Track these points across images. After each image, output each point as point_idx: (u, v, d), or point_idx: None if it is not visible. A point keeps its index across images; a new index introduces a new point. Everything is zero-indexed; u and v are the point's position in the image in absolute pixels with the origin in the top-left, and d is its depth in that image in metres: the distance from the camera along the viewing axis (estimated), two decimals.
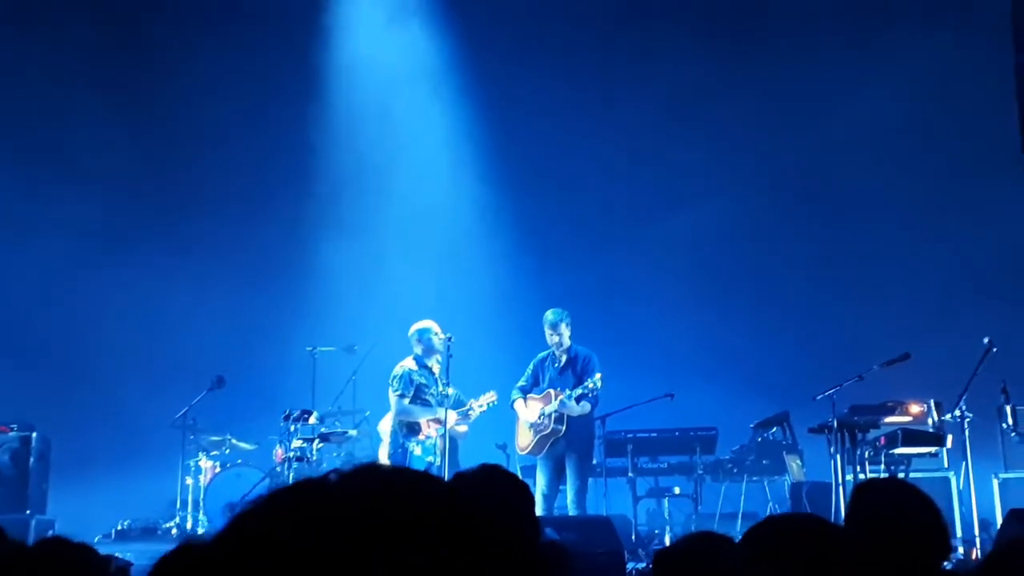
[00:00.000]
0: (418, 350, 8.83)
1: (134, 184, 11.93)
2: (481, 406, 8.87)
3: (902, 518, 2.90)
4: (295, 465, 8.92)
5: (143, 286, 11.63)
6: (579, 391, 8.65)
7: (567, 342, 9.02)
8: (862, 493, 3.13)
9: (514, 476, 2.82)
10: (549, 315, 9.02)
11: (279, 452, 9.24)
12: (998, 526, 6.58)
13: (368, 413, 10.33)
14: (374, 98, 12.28)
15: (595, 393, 8.70)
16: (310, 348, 10.41)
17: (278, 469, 9.30)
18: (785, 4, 11.75)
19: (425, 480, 1.09)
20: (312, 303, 11.80)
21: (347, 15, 12.29)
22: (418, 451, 8.54)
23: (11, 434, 9.80)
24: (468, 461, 9.69)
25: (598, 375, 8.64)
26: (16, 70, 11.58)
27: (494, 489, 2.70)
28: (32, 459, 9.67)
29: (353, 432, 9.81)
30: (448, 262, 11.96)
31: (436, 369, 8.80)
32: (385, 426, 9.17)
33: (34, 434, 9.80)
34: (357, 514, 0.95)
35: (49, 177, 11.44)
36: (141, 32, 11.98)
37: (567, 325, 8.97)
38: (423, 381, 8.74)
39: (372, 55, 12.30)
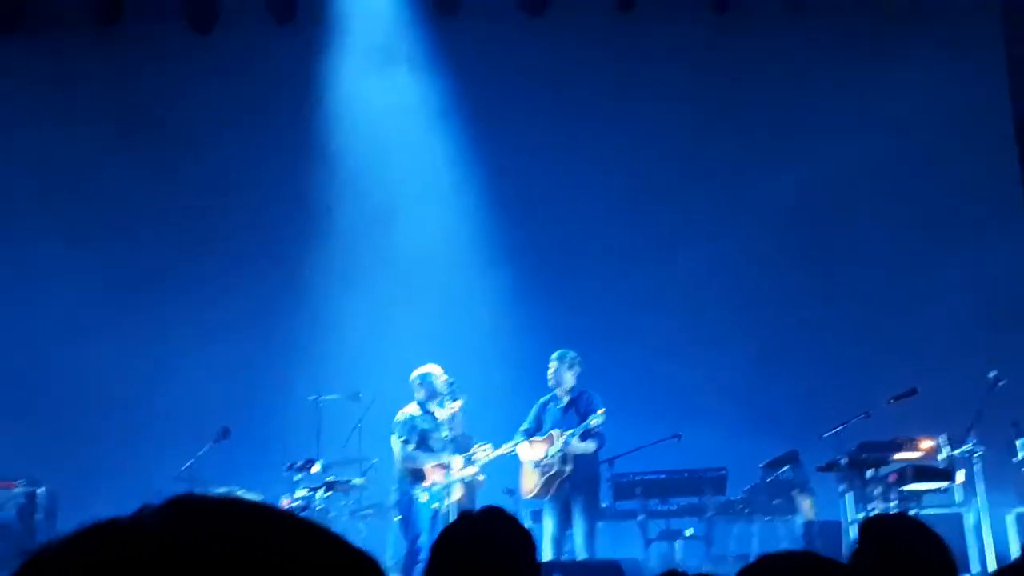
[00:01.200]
0: (420, 395, 8.80)
1: (135, 237, 11.96)
2: (487, 452, 8.84)
3: (909, 554, 2.86)
4: (301, 515, 8.84)
5: (146, 338, 11.62)
6: (582, 429, 8.63)
7: (570, 384, 9.00)
8: (868, 529, 3.09)
9: (515, 520, 2.79)
10: (557, 354, 9.04)
11: (285, 502, 9.16)
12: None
13: (375, 460, 10.25)
14: (373, 145, 12.33)
15: (600, 429, 8.67)
16: (314, 396, 10.36)
17: None
18: (785, 40, 11.81)
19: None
20: (315, 351, 11.76)
21: (339, 63, 12.40)
22: (424, 498, 8.47)
23: (17, 490, 9.76)
24: (475, 507, 9.64)
25: (601, 411, 8.63)
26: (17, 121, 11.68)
27: (495, 531, 2.67)
28: (39, 514, 9.62)
29: (359, 480, 9.73)
30: (451, 306, 11.94)
31: (439, 414, 8.75)
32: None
33: (40, 489, 9.76)
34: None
35: (48, 230, 11.49)
36: (141, 89, 12.08)
37: (571, 371, 8.97)
38: (427, 426, 8.69)
39: (367, 100, 12.36)
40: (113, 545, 0.73)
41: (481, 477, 8.85)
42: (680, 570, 3.38)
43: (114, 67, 12.11)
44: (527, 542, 2.70)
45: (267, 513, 0.77)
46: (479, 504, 8.71)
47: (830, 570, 2.16)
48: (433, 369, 8.83)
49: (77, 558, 0.72)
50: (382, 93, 12.37)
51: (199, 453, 9.70)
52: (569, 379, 9.01)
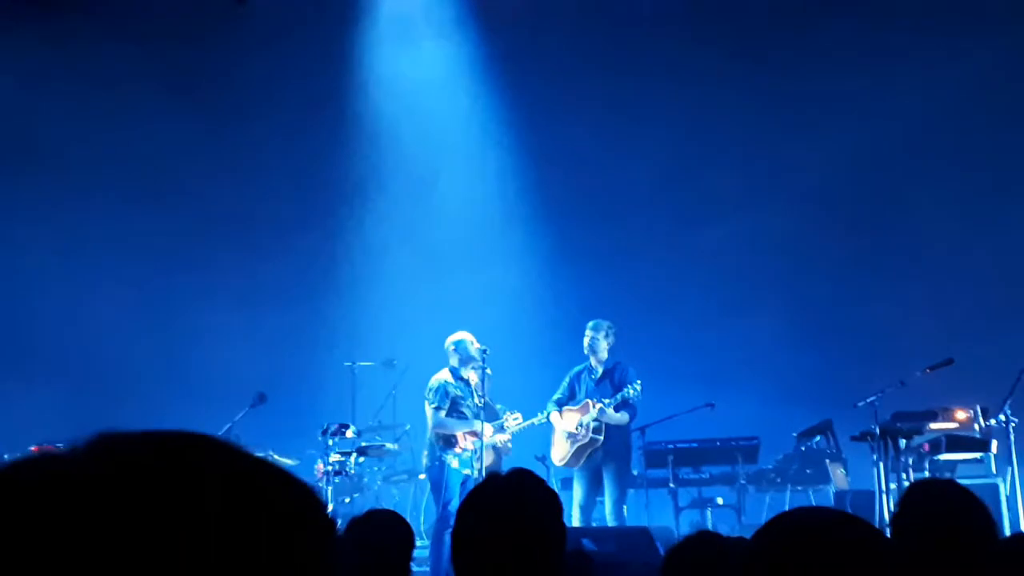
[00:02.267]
0: (454, 361, 8.83)
1: (175, 203, 12.06)
2: (516, 419, 8.89)
3: (952, 518, 2.83)
4: (335, 479, 8.96)
5: (184, 304, 11.76)
6: (618, 399, 8.65)
7: (605, 355, 9.02)
8: (913, 492, 3.06)
9: (543, 481, 2.82)
10: (594, 322, 9.05)
11: (320, 467, 9.27)
12: None
13: (408, 427, 10.36)
14: (410, 112, 12.37)
15: (635, 401, 8.69)
16: (349, 363, 10.45)
17: (319, 483, 9.32)
18: (818, 12, 11.66)
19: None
20: (351, 318, 11.86)
21: (376, 30, 12.41)
22: (455, 463, 8.52)
23: None
24: None
25: (638, 383, 8.65)
26: (56, 93, 11.76)
27: (524, 492, 2.70)
28: None
29: (393, 446, 9.82)
30: (486, 275, 11.97)
31: (473, 380, 8.79)
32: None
33: None
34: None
35: (88, 196, 11.61)
36: (180, 49, 12.11)
37: (606, 339, 8.98)
38: (459, 393, 8.73)
39: (404, 69, 12.39)
40: (30, 468, 0.76)
41: (510, 444, 8.90)
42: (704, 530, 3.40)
43: (158, 35, 12.12)
44: (554, 503, 2.72)
45: (194, 440, 0.79)
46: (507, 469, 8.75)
47: (860, 527, 2.15)
48: (467, 336, 8.87)
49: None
50: (418, 62, 12.41)
51: (236, 418, 9.80)
52: (604, 349, 9.02)
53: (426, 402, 8.76)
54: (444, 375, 8.80)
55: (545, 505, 2.68)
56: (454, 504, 8.29)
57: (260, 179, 12.09)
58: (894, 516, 3.02)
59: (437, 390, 8.69)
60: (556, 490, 8.56)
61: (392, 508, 4.79)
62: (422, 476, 9.20)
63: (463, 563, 2.59)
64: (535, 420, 9.05)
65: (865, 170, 11.53)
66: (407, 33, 12.50)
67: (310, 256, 12.08)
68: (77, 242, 11.73)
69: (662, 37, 11.89)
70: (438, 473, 8.48)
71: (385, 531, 3.60)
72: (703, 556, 2.92)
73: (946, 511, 2.86)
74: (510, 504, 2.62)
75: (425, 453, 8.77)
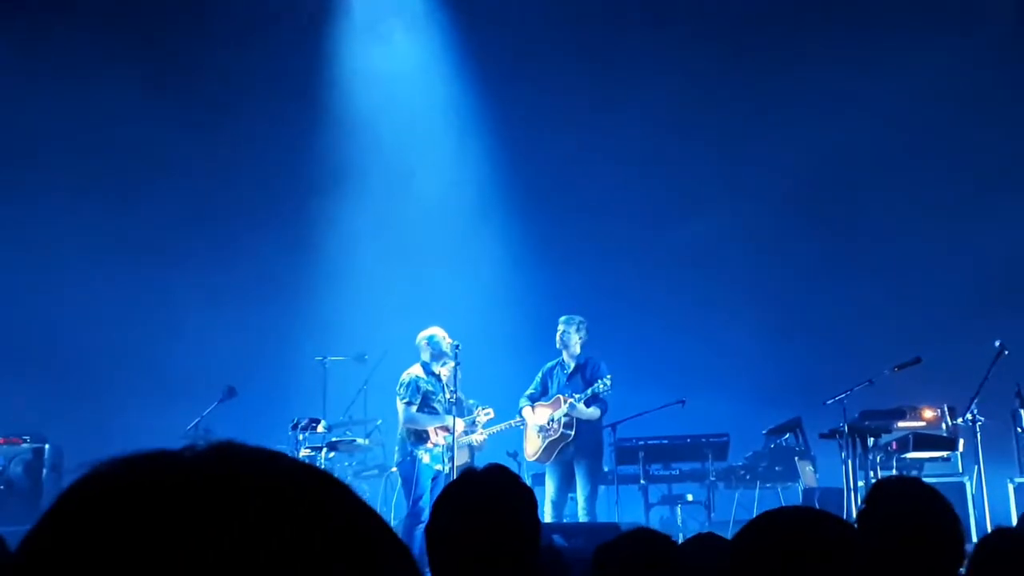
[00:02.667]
0: (425, 357, 8.82)
1: (143, 197, 11.96)
2: (488, 414, 8.88)
3: (917, 517, 2.85)
4: None
5: (154, 298, 11.68)
6: (588, 394, 8.67)
7: (578, 350, 9.03)
8: (878, 491, 3.08)
9: (517, 477, 2.82)
10: (566, 318, 9.06)
11: None
12: None
13: (380, 422, 10.33)
14: (384, 106, 12.33)
15: (605, 395, 8.72)
16: (320, 358, 10.41)
17: None
18: (792, 11, 11.73)
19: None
20: (322, 312, 11.82)
21: (353, 23, 12.36)
22: (426, 459, 8.51)
23: (24, 446, 9.85)
24: None
25: (608, 377, 8.67)
26: (23, 83, 11.63)
27: (500, 488, 2.70)
28: (45, 470, 9.71)
29: (363, 441, 9.79)
30: (459, 270, 11.97)
31: (444, 376, 8.78)
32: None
33: (47, 446, 9.84)
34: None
35: (59, 189, 11.49)
36: (153, 43, 12.01)
37: (578, 333, 8.99)
38: (430, 388, 8.72)
39: (380, 61, 12.36)
40: (150, 468, 0.74)
41: (480, 437, 8.89)
42: (709, 532, 3.38)
43: (131, 28, 12.00)
44: (530, 499, 2.72)
45: (302, 466, 0.77)
46: (479, 465, 8.75)
47: (832, 524, 2.17)
48: (439, 331, 8.85)
49: (117, 478, 0.74)
50: (392, 56, 12.40)
51: (205, 412, 9.75)
52: (576, 343, 9.03)
53: (397, 397, 8.74)
54: (416, 370, 8.78)
55: (520, 500, 2.68)
56: (425, 499, 8.29)
57: (232, 173, 12.02)
58: (859, 513, 3.04)
59: (408, 385, 8.67)
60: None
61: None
62: (394, 470, 9.18)
63: (438, 559, 2.58)
64: (511, 423, 9.06)
65: (837, 169, 11.62)
66: (381, 26, 12.45)
67: (282, 250, 12.02)
68: (46, 236, 11.60)
69: (639, 33, 11.93)
70: (409, 468, 8.47)
71: None
72: (637, 553, 2.90)
73: (910, 509, 2.88)
74: (486, 500, 2.62)
75: (396, 448, 8.75)
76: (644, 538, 2.95)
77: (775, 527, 2.07)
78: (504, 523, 2.59)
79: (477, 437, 8.83)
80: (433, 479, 8.43)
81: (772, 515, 2.13)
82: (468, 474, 2.77)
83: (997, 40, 11.20)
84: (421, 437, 8.57)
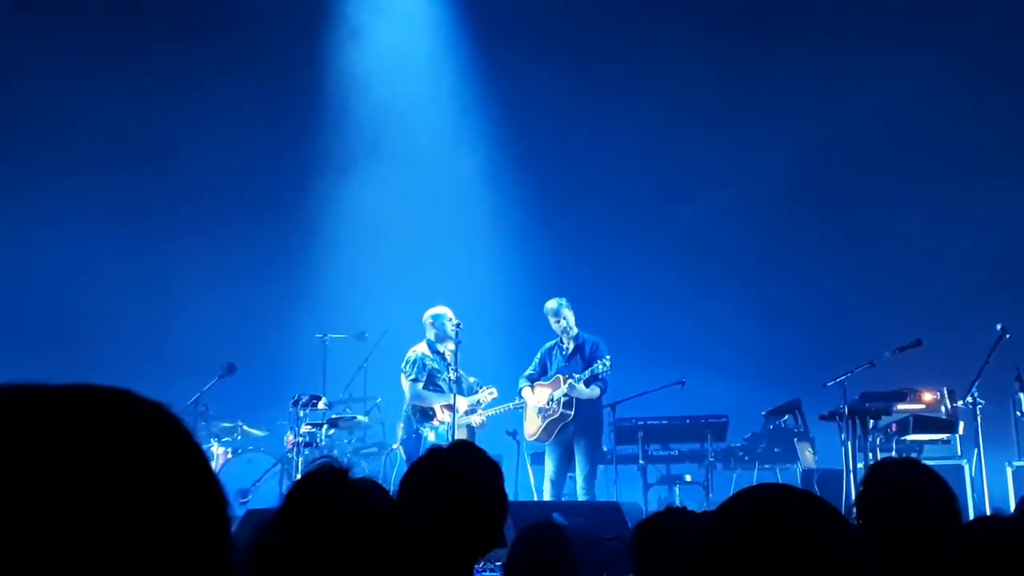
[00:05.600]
0: (431, 335, 8.81)
1: (141, 174, 11.94)
2: (492, 393, 8.88)
3: (915, 497, 2.86)
4: (305, 451, 8.94)
5: (153, 274, 11.68)
6: (587, 374, 8.67)
7: (574, 328, 9.02)
8: (876, 471, 3.08)
9: (483, 452, 2.83)
10: (551, 304, 9.04)
11: (290, 438, 9.25)
12: (1011, 514, 6.53)
13: (379, 400, 10.35)
14: (385, 89, 12.29)
15: (604, 376, 8.72)
16: (320, 335, 10.42)
17: (289, 455, 9.31)
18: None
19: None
20: (323, 290, 11.82)
21: (357, 6, 12.33)
22: (431, 436, 8.51)
23: None
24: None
25: (607, 358, 8.68)
26: (25, 67, 11.59)
27: (465, 464, 2.72)
28: None
29: (363, 418, 9.81)
30: (458, 252, 11.97)
31: (448, 355, 8.78)
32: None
33: None
34: None
35: (62, 170, 11.47)
36: (150, 26, 11.96)
37: (569, 309, 8.98)
38: (435, 366, 8.72)
39: (383, 44, 12.32)
40: None
41: (479, 419, 8.90)
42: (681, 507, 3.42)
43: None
44: (493, 474, 2.75)
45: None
46: (480, 444, 8.77)
47: (812, 503, 2.16)
48: (445, 310, 8.84)
49: None
50: (395, 39, 12.33)
51: (204, 388, 9.76)
52: (570, 322, 8.99)
53: (402, 375, 8.73)
54: (421, 348, 8.78)
55: (485, 475, 2.71)
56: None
57: (235, 153, 11.98)
58: (858, 494, 3.05)
59: (415, 363, 8.66)
60: (527, 464, 8.53)
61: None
62: (395, 446, 9.20)
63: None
64: (512, 404, 9.04)
65: (838, 152, 11.61)
66: (385, 8, 12.39)
67: (283, 229, 12.02)
68: (49, 214, 11.58)
69: (642, 17, 11.87)
70: (414, 445, 8.46)
71: None
72: (673, 529, 2.94)
73: (908, 489, 2.89)
74: (448, 475, 2.66)
75: (401, 425, 8.74)
76: (678, 515, 3.00)
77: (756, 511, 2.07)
78: (467, 498, 2.62)
79: (476, 419, 8.83)
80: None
81: (753, 500, 2.13)
82: (432, 451, 2.80)
83: (998, 25, 11.15)
84: (427, 415, 8.57)
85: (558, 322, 8.99)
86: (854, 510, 3.03)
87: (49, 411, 0.80)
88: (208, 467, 0.85)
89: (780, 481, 9.36)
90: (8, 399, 0.80)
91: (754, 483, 7.89)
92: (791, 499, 2.08)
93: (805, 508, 2.03)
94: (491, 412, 8.95)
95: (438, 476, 2.66)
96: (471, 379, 9.02)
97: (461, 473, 2.67)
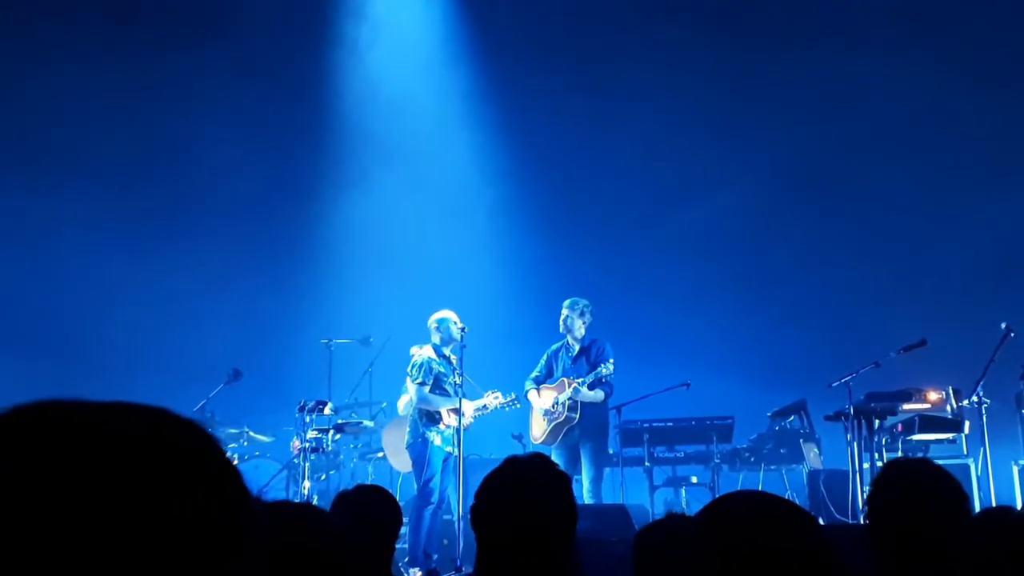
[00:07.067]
0: (436, 339, 8.80)
1: (146, 179, 11.97)
2: (497, 398, 8.86)
3: (927, 497, 2.87)
4: (311, 456, 8.94)
5: (159, 280, 11.69)
6: (592, 377, 8.69)
7: (582, 333, 9.05)
8: (889, 471, 3.09)
9: (555, 465, 2.93)
10: (578, 302, 9.06)
11: (296, 443, 9.26)
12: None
13: (384, 404, 10.37)
14: (388, 91, 12.30)
15: (609, 379, 8.73)
16: (326, 340, 10.43)
17: (295, 460, 9.33)
18: None
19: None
20: (328, 295, 11.83)
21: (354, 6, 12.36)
22: (438, 440, 8.49)
23: None
24: (485, 452, 9.74)
25: (611, 361, 8.70)
26: (26, 71, 11.61)
27: (540, 474, 2.84)
28: None
29: (369, 423, 9.83)
30: (462, 255, 11.97)
31: (453, 359, 8.79)
32: (407, 407, 9.21)
33: None
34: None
35: (62, 176, 11.49)
36: (152, 30, 11.98)
37: (589, 314, 9.02)
38: (442, 370, 8.71)
39: (382, 46, 12.35)
40: None
41: (468, 422, 8.85)
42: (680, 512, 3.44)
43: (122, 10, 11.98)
44: (565, 485, 2.88)
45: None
46: (482, 447, 8.82)
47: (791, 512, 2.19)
48: (450, 315, 8.85)
49: None
50: (394, 40, 12.35)
51: (211, 394, 9.77)
52: (580, 327, 9.05)
53: (408, 378, 8.73)
54: (428, 352, 8.77)
55: (557, 485, 2.83)
56: (435, 481, 8.29)
57: (237, 156, 11.99)
58: (870, 494, 3.06)
59: (421, 366, 8.66)
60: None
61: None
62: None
63: (484, 541, 2.75)
64: (501, 401, 8.96)
65: (841, 152, 11.60)
66: (384, 12, 12.41)
67: (287, 233, 12.03)
68: (53, 220, 11.61)
69: (641, 19, 11.89)
70: (421, 449, 8.44)
71: (374, 507, 3.61)
72: (674, 537, 2.96)
73: (921, 488, 2.90)
74: (525, 485, 2.77)
75: (407, 430, 8.74)
76: (678, 522, 3.06)
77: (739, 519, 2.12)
78: (541, 506, 2.73)
79: (465, 420, 8.83)
80: (444, 461, 8.43)
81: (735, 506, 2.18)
82: (509, 462, 2.90)
83: (1000, 21, 11.16)
84: (433, 419, 8.56)
85: (566, 320, 9.01)
86: (866, 509, 3.05)
87: (103, 430, 0.86)
88: (240, 482, 0.89)
89: (786, 482, 9.37)
90: (58, 416, 0.87)
91: (760, 484, 7.90)
92: (767, 507, 2.12)
93: (774, 514, 2.09)
94: (479, 413, 8.87)
95: (513, 485, 2.78)
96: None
97: (534, 482, 2.78)
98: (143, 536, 0.80)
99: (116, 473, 0.81)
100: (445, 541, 8.63)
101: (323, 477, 9.84)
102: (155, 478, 0.82)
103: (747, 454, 9.54)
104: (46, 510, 0.79)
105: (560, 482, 2.84)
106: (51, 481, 0.80)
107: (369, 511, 3.56)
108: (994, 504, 7.92)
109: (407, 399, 8.99)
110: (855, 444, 7.60)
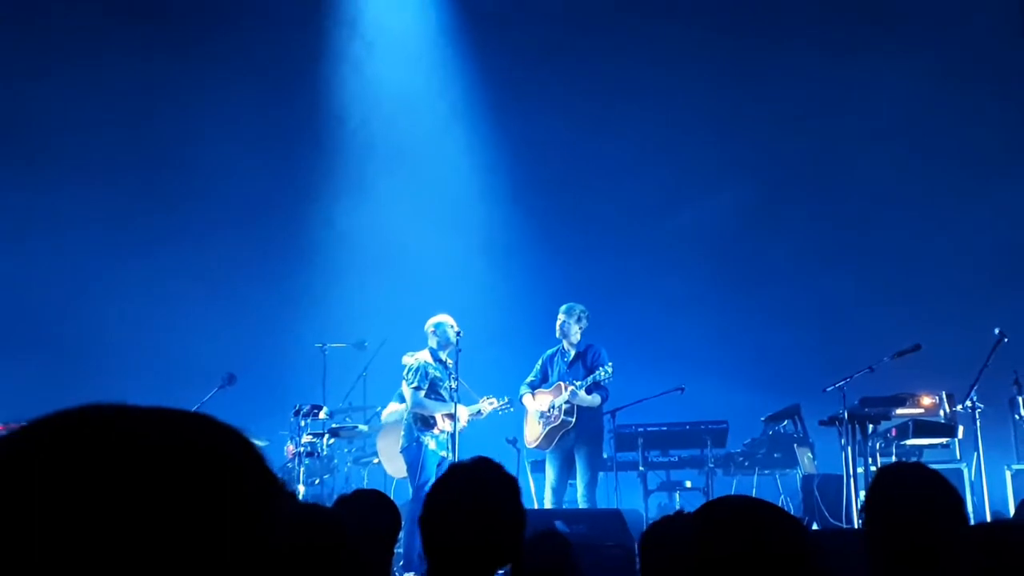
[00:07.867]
0: (433, 343, 8.80)
1: (141, 182, 11.95)
2: (491, 403, 8.87)
3: (922, 501, 2.88)
4: (306, 460, 8.93)
5: (152, 284, 11.67)
6: (589, 381, 8.70)
7: (577, 338, 9.06)
8: (884, 476, 3.10)
9: (501, 467, 2.88)
10: (573, 307, 9.07)
11: (290, 448, 9.25)
12: (1010, 517, 6.56)
13: (379, 409, 10.35)
14: (383, 93, 12.31)
15: (606, 383, 8.74)
16: (320, 344, 10.42)
17: (289, 465, 9.31)
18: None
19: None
20: (322, 299, 11.82)
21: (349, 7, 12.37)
22: (432, 445, 8.50)
23: None
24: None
25: (609, 365, 8.70)
26: (26, 71, 11.60)
27: (486, 479, 2.78)
28: None
29: (364, 427, 9.81)
30: (458, 258, 11.97)
31: (450, 363, 8.79)
32: (391, 415, 9.19)
33: None
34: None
35: (57, 176, 11.48)
36: (152, 30, 11.97)
37: (585, 320, 9.02)
38: (437, 375, 8.71)
39: (378, 48, 12.35)
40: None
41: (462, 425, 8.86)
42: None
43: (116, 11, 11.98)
44: (512, 489, 2.82)
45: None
46: (477, 450, 8.75)
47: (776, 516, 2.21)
48: (447, 319, 8.85)
49: None
50: (389, 41, 12.34)
51: (204, 399, 9.74)
52: (576, 332, 9.06)
53: (404, 382, 8.73)
54: (424, 356, 8.77)
55: (503, 490, 2.77)
56: (430, 485, 8.27)
57: (235, 159, 11.98)
58: (866, 499, 3.06)
59: (417, 370, 8.65)
60: (527, 472, 8.54)
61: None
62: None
63: (432, 548, 2.72)
64: (494, 404, 8.97)
65: (835, 155, 11.62)
66: (382, 15, 12.42)
67: (281, 236, 12.02)
68: (45, 220, 11.59)
69: (641, 19, 11.91)
70: (415, 453, 8.45)
71: (375, 512, 3.61)
72: (680, 534, 2.97)
73: (917, 493, 2.91)
74: (470, 491, 2.73)
75: (401, 433, 8.74)
76: (686, 521, 3.05)
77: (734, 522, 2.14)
78: (488, 512, 2.69)
79: (459, 424, 8.83)
80: (438, 465, 8.43)
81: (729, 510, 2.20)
82: (454, 467, 2.89)
83: (997, 24, 11.20)
84: (428, 423, 8.56)
85: (562, 325, 9.02)
86: (862, 514, 3.05)
87: (144, 439, 0.85)
88: (280, 491, 0.90)
89: (780, 487, 9.38)
90: (99, 423, 0.87)
91: (754, 489, 7.91)
92: (753, 512, 2.14)
93: (761, 517, 2.10)
94: (473, 417, 8.87)
95: (457, 490, 2.74)
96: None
97: (480, 488, 2.74)
98: (179, 546, 0.81)
99: (156, 485, 0.82)
100: None
101: (317, 481, 9.83)
102: (195, 489, 0.83)
103: (741, 458, 9.56)
104: (90, 520, 0.79)
105: (505, 487, 2.78)
106: (93, 491, 0.80)
107: (370, 516, 3.56)
108: (987, 508, 7.96)
109: (393, 408, 9.00)
110: (849, 449, 7.61)
